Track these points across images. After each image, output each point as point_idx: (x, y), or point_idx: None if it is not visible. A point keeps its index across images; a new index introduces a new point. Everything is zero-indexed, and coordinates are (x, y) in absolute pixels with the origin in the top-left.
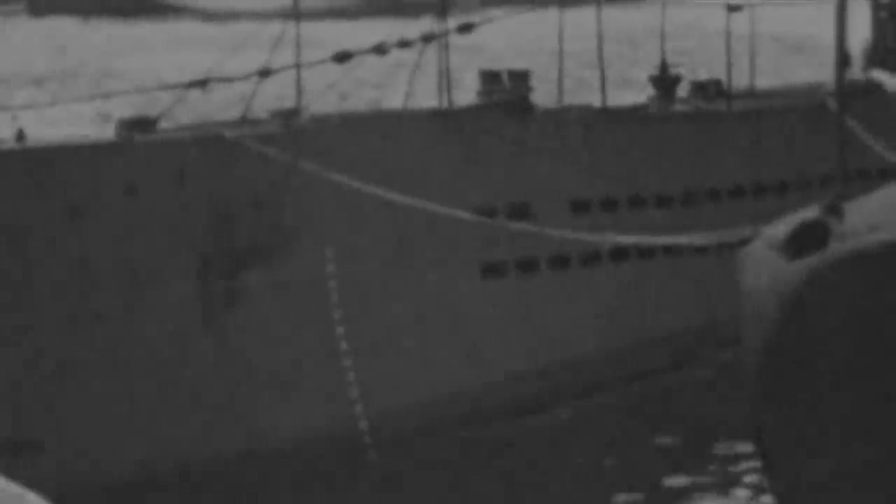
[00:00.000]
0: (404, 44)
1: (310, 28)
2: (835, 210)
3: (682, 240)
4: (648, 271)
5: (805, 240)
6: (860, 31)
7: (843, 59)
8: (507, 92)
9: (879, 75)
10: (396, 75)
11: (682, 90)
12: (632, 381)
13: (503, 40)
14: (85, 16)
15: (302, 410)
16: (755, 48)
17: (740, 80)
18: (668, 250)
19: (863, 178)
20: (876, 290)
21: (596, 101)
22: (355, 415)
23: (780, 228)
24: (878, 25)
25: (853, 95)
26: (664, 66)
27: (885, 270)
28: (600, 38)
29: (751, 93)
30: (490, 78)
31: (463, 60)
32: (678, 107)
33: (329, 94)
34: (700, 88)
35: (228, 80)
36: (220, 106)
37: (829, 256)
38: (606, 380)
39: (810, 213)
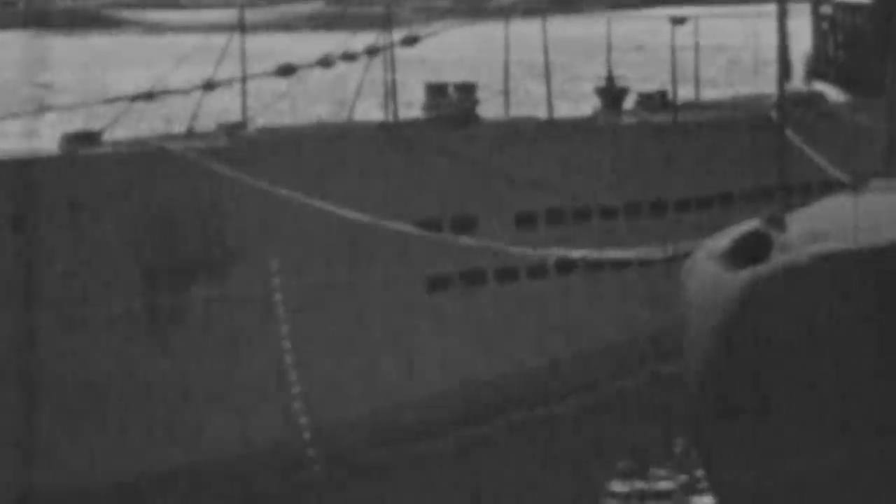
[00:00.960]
0: (349, 57)
1: (255, 41)
2: (776, 222)
3: (629, 254)
4: (595, 284)
5: (747, 251)
6: (803, 43)
7: (784, 72)
8: (452, 105)
9: (821, 87)
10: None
11: (629, 102)
12: (578, 392)
13: (450, 53)
14: (30, 28)
15: (247, 423)
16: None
17: (686, 92)
18: (614, 263)
19: (805, 190)
20: (816, 299)
21: (542, 114)
22: (300, 427)
23: (723, 240)
24: (820, 37)
25: (795, 107)
26: (610, 78)
27: (825, 280)
28: (546, 51)
29: (696, 104)
30: (436, 91)
31: (409, 73)
32: (624, 119)
33: (275, 106)
34: (646, 100)
35: (173, 92)
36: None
37: (771, 267)
38: (553, 391)
39: (752, 224)
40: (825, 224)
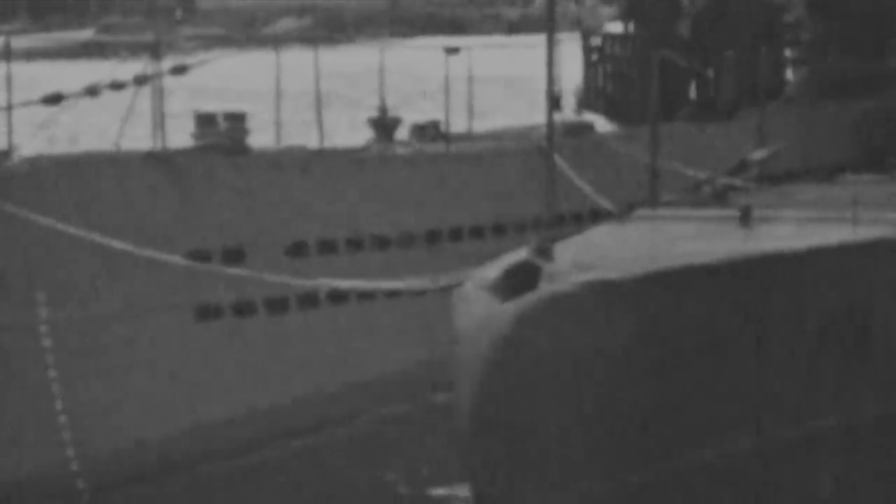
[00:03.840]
0: (117, 86)
1: (23, 69)
2: (544, 251)
3: (400, 284)
4: (367, 314)
5: (516, 280)
6: (574, 74)
7: (553, 102)
8: (222, 134)
9: (591, 117)
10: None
11: (402, 132)
12: (350, 422)
13: (224, 82)
14: None
15: (14, 454)
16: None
17: (459, 123)
18: (387, 293)
19: (575, 220)
20: (582, 328)
21: (314, 143)
22: (67, 458)
23: (492, 270)
24: (590, 68)
25: (565, 137)
26: (383, 109)
27: (591, 309)
28: (317, 80)
29: (469, 135)
30: (205, 120)
31: (181, 102)
32: (397, 149)
33: (41, 135)
34: (419, 130)
35: None
36: None
37: (538, 296)
38: (326, 420)
39: (521, 254)
40: (591, 253)
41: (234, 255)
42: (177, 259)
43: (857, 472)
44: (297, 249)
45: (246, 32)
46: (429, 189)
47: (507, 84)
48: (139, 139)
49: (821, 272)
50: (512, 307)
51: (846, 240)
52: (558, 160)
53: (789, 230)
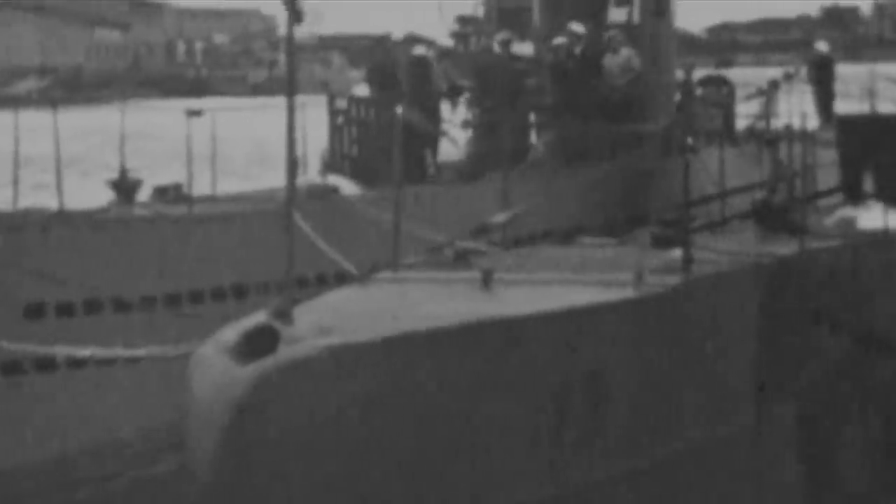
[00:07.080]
0: None
1: None
2: (283, 314)
3: (140, 352)
4: (106, 378)
5: (255, 344)
6: (320, 136)
7: (294, 164)
8: None
9: (336, 180)
10: None
11: (144, 194)
12: (90, 485)
13: None
14: None
15: None
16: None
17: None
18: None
19: (319, 282)
20: (321, 392)
21: (53, 205)
22: None
23: (230, 332)
24: (335, 131)
25: (309, 200)
26: (123, 170)
27: (329, 373)
28: (56, 141)
29: (212, 197)
30: None
31: None
32: (138, 211)
33: None
34: (161, 192)
35: None
36: None
37: (276, 360)
38: (65, 485)
39: (260, 317)
40: (331, 317)
41: None
42: None
43: None
44: (35, 312)
45: None
46: (170, 251)
47: (254, 146)
48: None
49: (558, 335)
50: (249, 371)
51: (583, 303)
52: (301, 222)
53: (529, 293)
